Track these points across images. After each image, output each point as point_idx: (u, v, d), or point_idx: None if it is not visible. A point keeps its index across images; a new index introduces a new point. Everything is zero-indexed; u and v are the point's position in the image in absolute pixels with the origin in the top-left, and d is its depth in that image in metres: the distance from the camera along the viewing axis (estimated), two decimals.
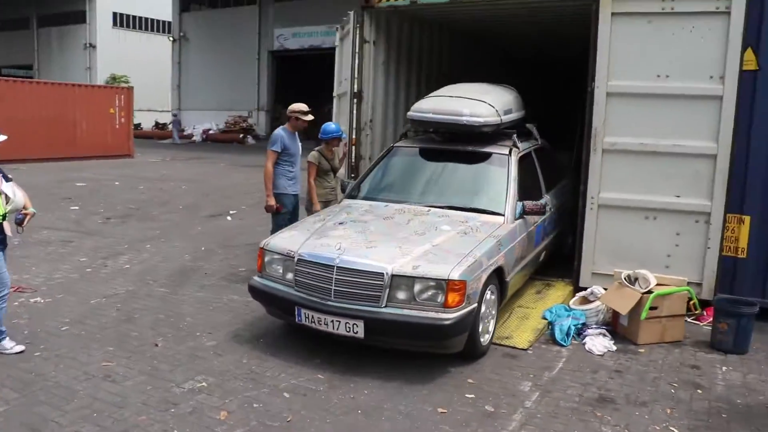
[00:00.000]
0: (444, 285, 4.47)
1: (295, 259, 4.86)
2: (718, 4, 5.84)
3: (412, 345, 4.70)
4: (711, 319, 5.77)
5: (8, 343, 4.86)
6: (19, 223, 4.86)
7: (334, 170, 7.44)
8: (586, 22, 6.46)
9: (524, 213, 5.75)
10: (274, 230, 6.94)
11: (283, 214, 6.94)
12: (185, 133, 33.43)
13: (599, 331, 5.47)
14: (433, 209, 5.69)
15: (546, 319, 5.77)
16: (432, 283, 4.52)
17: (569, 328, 5.41)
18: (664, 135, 6.13)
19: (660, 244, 6.24)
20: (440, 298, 4.49)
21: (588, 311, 5.76)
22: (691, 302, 5.58)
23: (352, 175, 7.81)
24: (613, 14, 6.15)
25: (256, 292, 5.20)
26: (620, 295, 5.53)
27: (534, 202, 5.85)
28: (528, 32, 8.97)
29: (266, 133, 34.03)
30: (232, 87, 34.24)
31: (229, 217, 11.20)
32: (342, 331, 4.58)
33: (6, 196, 4.65)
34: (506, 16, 7.77)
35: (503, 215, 5.61)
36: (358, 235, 5.11)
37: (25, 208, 4.82)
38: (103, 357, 4.81)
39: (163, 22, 44.54)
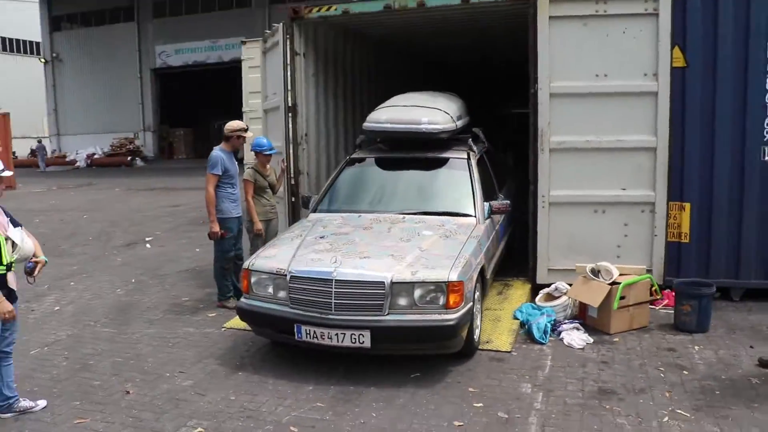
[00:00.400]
0: (444, 287, 4.59)
1: (288, 277, 4.80)
2: (646, 6, 6.22)
3: (416, 349, 4.78)
4: (666, 302, 6.11)
5: (28, 403, 4.34)
6: (30, 272, 4.25)
7: (272, 187, 7.16)
8: (522, 23, 6.64)
9: (491, 213, 5.94)
10: (218, 258, 6.59)
11: (228, 239, 6.58)
12: (68, 159, 31.19)
13: (573, 325, 5.61)
14: (407, 216, 5.79)
15: (518, 318, 5.84)
16: (432, 287, 4.63)
17: (546, 325, 5.50)
18: (607, 131, 6.42)
19: (610, 235, 6.52)
20: (441, 300, 4.60)
21: (556, 307, 5.89)
22: (653, 288, 5.85)
23: (292, 198, 7.57)
24: (550, 18, 6.36)
25: (247, 314, 5.07)
26: (589, 289, 5.70)
27: (500, 202, 6.09)
28: (463, 35, 9.10)
29: (154, 154, 32.49)
30: (114, 108, 32.35)
31: (147, 245, 10.50)
32: (347, 343, 4.58)
33: (13, 242, 4.08)
34: (439, 21, 7.82)
35: (474, 216, 5.79)
36: (347, 246, 5.10)
37: (35, 255, 4.27)
38: (73, 414, 4.29)
39: (35, 42, 41.36)
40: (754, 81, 6.14)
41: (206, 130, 27.48)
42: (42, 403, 4.39)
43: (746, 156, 6.24)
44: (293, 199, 7.65)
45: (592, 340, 5.39)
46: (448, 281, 4.58)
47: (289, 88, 7.46)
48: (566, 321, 5.69)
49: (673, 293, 5.86)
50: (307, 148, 7.77)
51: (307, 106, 7.73)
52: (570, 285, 6.07)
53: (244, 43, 12.38)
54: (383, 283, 4.58)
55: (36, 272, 4.26)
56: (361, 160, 6.69)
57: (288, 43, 7.37)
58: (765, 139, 6.21)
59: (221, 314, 6.47)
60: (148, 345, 5.62)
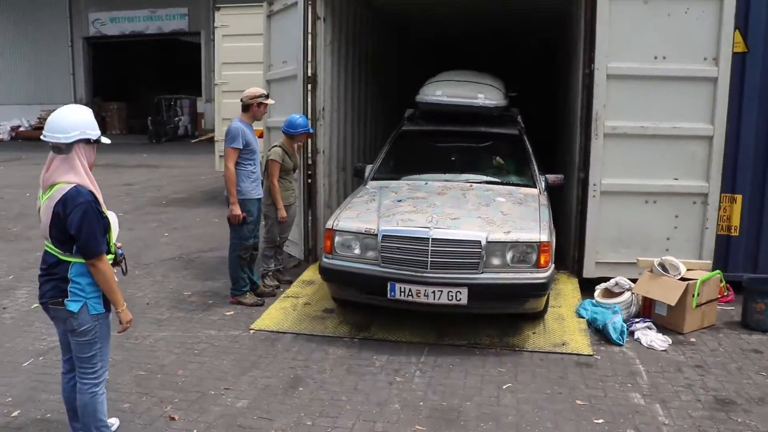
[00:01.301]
0: (537, 247, 4.77)
1: (380, 236, 4.82)
2: None
3: (508, 307, 4.94)
4: (730, 299, 5.83)
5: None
6: (119, 261, 3.26)
7: (296, 169, 6.38)
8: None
9: (548, 186, 6.16)
10: (236, 246, 5.75)
11: (248, 225, 5.75)
12: None
13: (645, 324, 5.19)
14: (474, 184, 5.98)
15: (582, 317, 5.38)
16: (525, 247, 4.78)
17: (622, 325, 5.05)
18: (663, 118, 6.03)
19: (660, 227, 6.16)
20: (533, 259, 4.76)
21: (620, 304, 5.47)
22: (722, 285, 5.53)
23: (308, 179, 6.81)
24: None
25: (332, 274, 5.05)
26: (660, 285, 5.30)
27: (555, 176, 6.35)
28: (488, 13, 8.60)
29: None
30: (42, 78, 29.52)
31: None
32: (444, 300, 4.65)
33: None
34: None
35: (536, 188, 6.00)
36: (432, 208, 5.16)
37: None
38: None
39: None
40: None
41: (143, 105, 25.57)
42: (115, 422, 3.59)
43: None
44: (309, 181, 6.86)
45: (670, 341, 4.99)
46: (540, 241, 4.76)
47: (309, 56, 6.63)
48: (637, 320, 5.27)
49: (744, 290, 5.53)
50: (324, 124, 6.98)
51: (324, 77, 6.92)
52: (629, 280, 5.67)
53: (218, 8, 11.31)
54: (479, 242, 4.69)
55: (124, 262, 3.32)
56: (413, 132, 6.77)
57: (310, 6, 6.54)
58: None
59: (240, 312, 5.65)
60: (168, 352, 4.75)
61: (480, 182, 6.04)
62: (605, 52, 5.93)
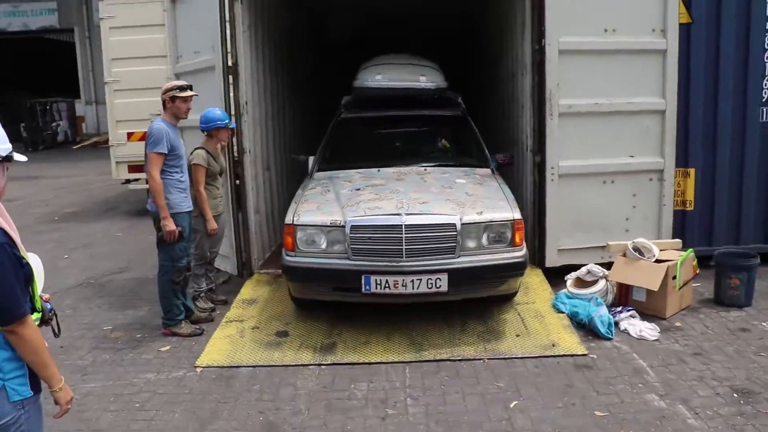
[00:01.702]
0: (511, 225, 4.63)
1: (348, 228, 4.50)
2: None
3: (486, 289, 4.73)
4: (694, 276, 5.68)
5: None
6: (48, 319, 2.38)
7: (222, 173, 5.58)
8: None
9: (498, 165, 5.95)
10: (167, 268, 4.91)
11: (180, 243, 4.89)
12: None
13: (629, 313, 4.89)
14: (429, 168, 5.76)
15: (562, 311, 5.00)
16: (500, 226, 4.62)
17: (608, 318, 4.72)
18: (616, 93, 5.78)
19: (618, 208, 5.94)
20: (508, 239, 4.62)
21: (597, 293, 5.14)
22: (694, 264, 5.33)
23: (236, 180, 6.01)
24: None
25: (297, 272, 4.67)
26: (638, 270, 5.02)
27: (504, 155, 6.12)
28: None
29: None
30: None
31: None
32: (423, 289, 4.40)
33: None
34: None
35: (489, 168, 5.85)
36: (396, 194, 4.89)
37: None
38: None
39: None
40: (756, 39, 5.86)
41: (12, 111, 22.85)
42: None
43: (747, 118, 5.97)
44: (237, 182, 6.04)
45: (658, 329, 4.71)
46: (513, 219, 4.64)
47: (228, 43, 5.80)
48: (618, 309, 4.96)
49: (716, 265, 5.36)
50: (248, 120, 6.17)
51: (244, 67, 6.10)
52: (598, 265, 5.36)
53: None
54: (454, 224, 4.49)
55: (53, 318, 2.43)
56: (354, 119, 6.41)
57: None
58: (764, 100, 5.99)
59: (177, 345, 4.80)
60: (102, 410, 3.86)
61: (433, 165, 5.82)
62: (556, 26, 5.57)
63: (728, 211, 6.12)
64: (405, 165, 5.80)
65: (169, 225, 4.72)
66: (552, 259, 5.87)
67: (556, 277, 5.73)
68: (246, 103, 6.11)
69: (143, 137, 9.97)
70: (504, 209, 4.73)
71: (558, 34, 5.58)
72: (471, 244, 4.55)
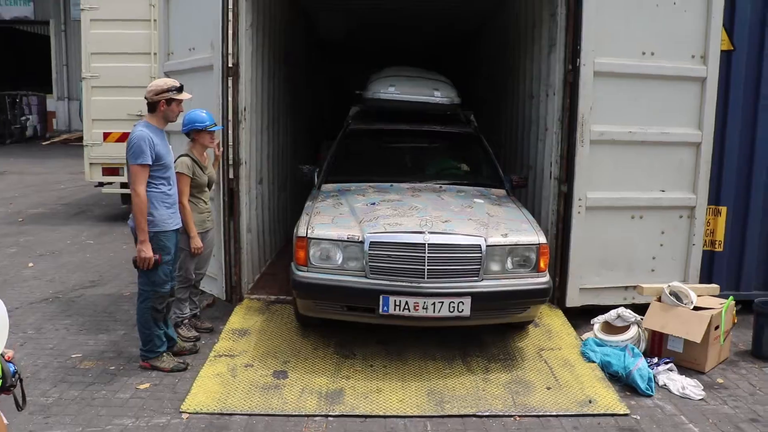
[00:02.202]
0: (536, 249, 4.42)
1: (366, 244, 4.24)
2: None
3: (508, 316, 4.54)
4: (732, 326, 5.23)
5: None
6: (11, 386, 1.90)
7: (210, 184, 4.99)
8: None
9: (513, 186, 5.74)
10: (148, 295, 4.29)
11: (164, 266, 4.26)
12: None
13: (667, 366, 4.41)
14: (443, 185, 5.52)
15: (593, 360, 4.50)
16: (526, 251, 4.41)
17: (649, 372, 4.23)
18: (650, 122, 5.34)
19: (646, 245, 5.49)
20: (533, 263, 4.41)
21: (629, 341, 4.67)
22: (734, 313, 4.89)
23: (228, 194, 5.41)
24: None
25: (309, 289, 4.35)
26: (678, 318, 4.55)
27: (518, 176, 5.90)
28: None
29: None
30: None
31: None
32: (445, 312, 4.16)
33: None
34: None
35: (504, 189, 5.62)
36: (414, 211, 4.62)
37: None
38: None
39: None
40: None
41: None
42: None
43: None
44: (225, 199, 5.41)
45: (701, 386, 4.23)
46: (539, 243, 4.43)
47: (230, 41, 5.21)
48: (654, 360, 4.47)
49: (756, 315, 4.92)
50: (246, 128, 5.58)
51: (245, 68, 5.52)
52: (630, 310, 4.89)
53: None
54: (479, 246, 4.27)
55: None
56: (363, 131, 6.16)
57: None
58: None
59: (158, 382, 4.17)
60: None
61: (448, 183, 5.60)
62: (592, 45, 5.12)
63: (759, 254, 5.73)
64: (418, 181, 5.57)
65: (145, 251, 4.08)
66: (573, 299, 5.39)
67: (575, 318, 5.26)
68: (245, 108, 5.52)
69: (121, 138, 9.47)
70: (529, 232, 4.52)
71: (594, 55, 5.13)
72: (495, 267, 4.33)
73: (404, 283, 4.16)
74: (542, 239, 4.47)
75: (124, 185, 9.65)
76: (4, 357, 1.77)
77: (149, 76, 9.22)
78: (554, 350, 4.68)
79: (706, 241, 5.64)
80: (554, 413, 3.82)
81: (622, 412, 3.85)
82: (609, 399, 4.00)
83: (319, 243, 4.36)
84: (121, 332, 5.08)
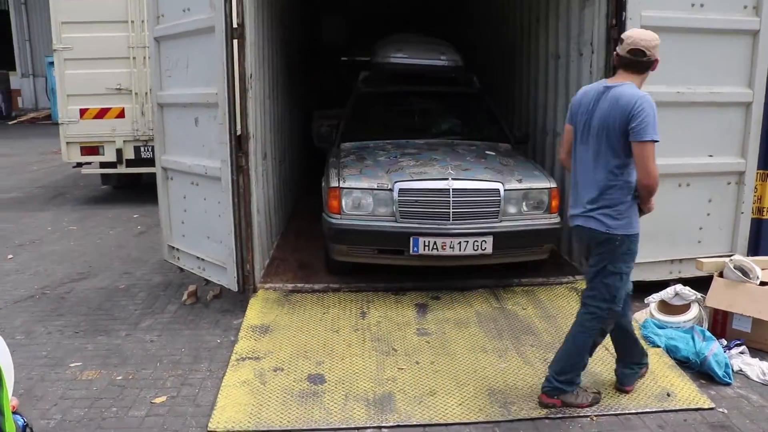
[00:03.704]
0: (548, 193, 4.89)
1: (395, 191, 4.69)
2: None
3: (526, 253, 5.02)
4: None
5: None
6: None
7: None
8: None
9: (516, 141, 6.06)
10: (602, 313, 3.33)
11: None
12: None
13: (739, 350, 4.03)
14: (455, 141, 5.86)
15: (657, 345, 4.09)
16: (539, 194, 4.87)
17: (725, 358, 3.82)
18: (698, 81, 4.89)
19: (692, 215, 5.09)
20: (546, 205, 4.88)
21: (691, 321, 4.27)
22: None
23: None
24: None
25: (345, 234, 4.77)
26: (748, 296, 4.15)
27: (521, 132, 6.37)
28: None
29: None
30: None
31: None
32: (469, 251, 4.60)
33: None
34: None
35: (509, 143, 5.97)
36: (437, 162, 5.04)
37: None
38: None
39: None
40: None
41: None
42: None
43: None
44: (234, 177, 4.76)
45: None
46: (551, 188, 4.91)
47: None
48: (727, 344, 4.08)
49: None
50: (253, 97, 4.98)
51: (250, 30, 4.90)
52: (687, 287, 4.49)
53: None
54: (498, 190, 4.73)
55: None
56: (375, 94, 6.51)
57: None
58: None
59: (175, 395, 3.65)
60: None
61: (459, 139, 5.96)
62: None
63: None
64: (430, 138, 5.95)
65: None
66: None
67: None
68: (251, 75, 4.91)
69: (99, 114, 8.74)
70: (541, 179, 5.00)
71: (641, 7, 4.63)
72: (512, 209, 4.79)
73: (432, 225, 4.59)
74: (553, 184, 4.94)
75: (104, 164, 8.98)
76: (12, 406, 1.29)
77: (128, 47, 8.52)
78: None
79: (753, 208, 5.26)
80: (633, 410, 3.41)
81: (707, 406, 3.45)
82: (688, 391, 3.59)
83: (351, 192, 4.76)
84: (123, 333, 4.52)
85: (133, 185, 9.65)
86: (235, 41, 4.63)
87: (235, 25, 4.61)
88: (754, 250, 5.30)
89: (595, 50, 5.03)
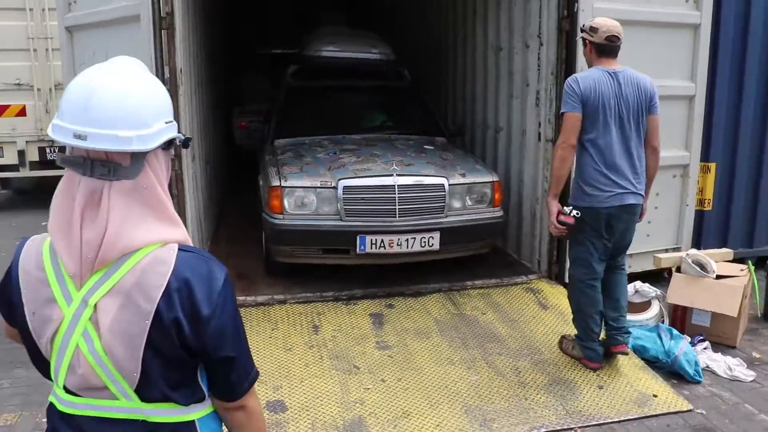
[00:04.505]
0: (491, 186, 4.90)
1: (340, 189, 4.58)
2: None
3: (472, 247, 4.99)
4: None
5: None
6: None
7: None
8: None
9: (451, 134, 6.08)
10: None
11: None
12: None
13: (703, 346, 4.01)
14: (392, 135, 5.78)
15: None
16: (482, 188, 4.88)
17: (694, 355, 3.78)
18: (646, 74, 4.84)
19: None
20: (489, 199, 4.89)
21: (652, 319, 4.24)
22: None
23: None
24: None
25: (288, 235, 4.61)
26: (706, 291, 4.14)
27: (456, 125, 6.43)
28: None
29: None
30: None
31: None
32: (416, 247, 4.58)
33: None
34: None
35: (444, 137, 5.90)
36: (376, 158, 4.98)
37: None
38: None
39: None
40: None
41: None
42: None
43: None
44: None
45: (745, 365, 3.86)
46: (493, 181, 4.93)
47: None
48: (692, 340, 4.05)
49: None
50: (184, 93, 4.51)
51: (180, 19, 4.42)
52: (646, 284, 4.46)
53: None
54: (443, 185, 4.70)
55: None
56: (304, 88, 6.30)
57: None
58: None
59: None
60: None
61: (394, 133, 5.87)
62: None
63: (744, 211, 5.51)
64: (366, 132, 5.80)
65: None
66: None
67: None
68: (180, 70, 4.43)
69: None
70: (483, 173, 4.99)
71: None
72: (456, 204, 4.77)
73: (378, 223, 4.51)
74: (495, 178, 4.95)
75: (3, 168, 8.11)
76: None
77: (27, 37, 7.71)
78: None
79: (696, 200, 5.33)
80: (616, 419, 3.28)
81: (685, 408, 3.38)
82: (665, 393, 3.51)
83: (294, 191, 4.60)
84: None
85: (37, 189, 8.77)
86: (164, 32, 4.13)
87: (163, 14, 4.12)
88: (696, 240, 5.38)
89: (544, 42, 4.90)
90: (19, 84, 7.69)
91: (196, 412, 1.29)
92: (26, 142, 7.79)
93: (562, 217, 3.49)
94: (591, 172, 3.45)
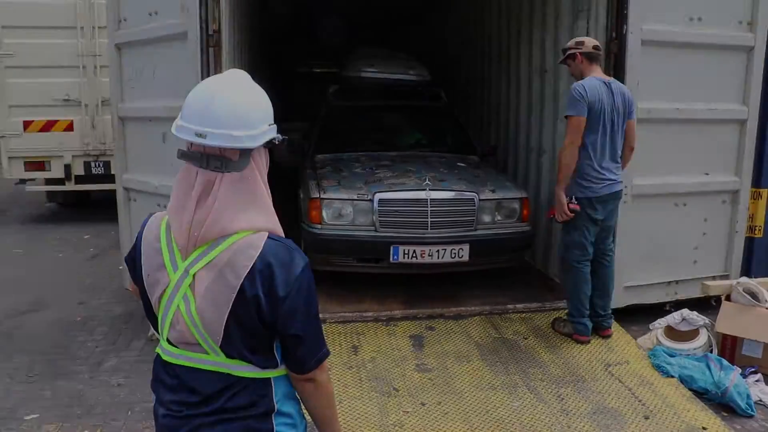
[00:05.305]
0: (521, 202, 5.09)
1: (375, 201, 4.79)
2: None
3: (501, 260, 5.16)
4: None
5: None
6: None
7: None
8: None
9: (482, 154, 6.22)
10: None
11: None
12: None
13: (755, 378, 3.85)
14: (426, 153, 6.00)
15: (671, 375, 3.87)
16: (513, 204, 5.06)
17: (746, 388, 3.64)
18: (695, 97, 4.78)
19: (688, 235, 4.97)
20: (518, 214, 5.07)
21: (700, 348, 4.09)
22: None
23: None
24: None
25: (326, 243, 4.81)
26: (759, 321, 3.99)
27: (488, 145, 6.55)
28: None
29: None
30: None
31: None
32: (447, 258, 4.74)
33: None
34: None
35: (476, 155, 6.13)
36: (411, 173, 5.17)
37: None
38: None
39: None
40: None
41: None
42: None
43: None
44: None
45: None
46: (522, 197, 5.12)
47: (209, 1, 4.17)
48: (742, 372, 3.89)
49: None
50: None
51: (227, 36, 4.49)
52: (694, 312, 4.31)
53: None
54: (473, 199, 4.89)
55: None
56: (346, 107, 6.57)
57: None
58: None
59: None
60: None
61: (428, 151, 6.09)
62: (639, 8, 4.44)
63: None
64: (401, 150, 6.03)
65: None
66: (618, 299, 4.74)
67: (619, 319, 4.63)
68: None
69: (45, 126, 8.09)
70: (512, 189, 5.22)
71: (641, 21, 4.46)
72: (486, 218, 4.96)
73: (411, 234, 4.73)
74: (524, 194, 5.18)
75: (50, 181, 8.34)
76: None
77: (76, 55, 7.95)
78: (622, 365, 4.02)
79: (745, 227, 5.17)
80: None
81: None
82: (714, 426, 3.37)
83: (332, 203, 4.83)
84: (85, 375, 4.02)
85: (81, 203, 8.99)
86: (211, 49, 4.21)
87: (210, 32, 4.20)
88: (746, 269, 5.21)
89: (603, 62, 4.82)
90: (67, 99, 7.91)
91: (272, 371, 1.51)
92: (72, 156, 8.00)
93: (571, 206, 4.05)
94: (587, 170, 4.04)
